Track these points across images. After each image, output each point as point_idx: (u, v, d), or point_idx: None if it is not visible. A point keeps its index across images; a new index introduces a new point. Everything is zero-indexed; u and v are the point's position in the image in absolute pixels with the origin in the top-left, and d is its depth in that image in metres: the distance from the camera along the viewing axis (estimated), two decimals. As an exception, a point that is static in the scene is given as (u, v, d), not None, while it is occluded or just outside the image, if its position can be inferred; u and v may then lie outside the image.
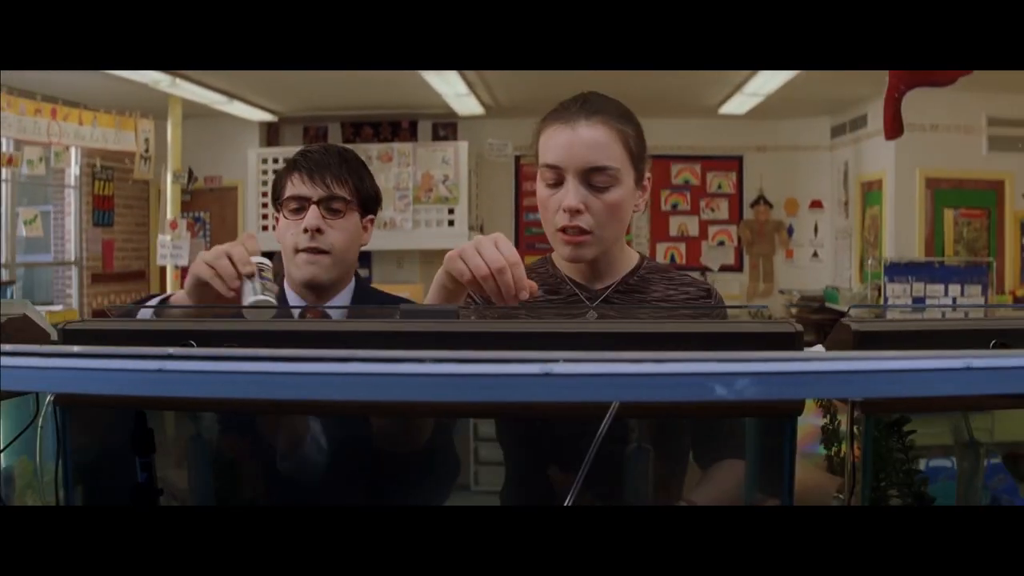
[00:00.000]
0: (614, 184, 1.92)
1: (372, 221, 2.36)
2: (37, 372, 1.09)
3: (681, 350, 1.09)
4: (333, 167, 2.25)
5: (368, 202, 2.33)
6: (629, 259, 2.07)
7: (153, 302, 2.00)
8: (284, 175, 2.30)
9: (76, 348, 1.10)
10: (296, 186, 2.25)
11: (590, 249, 1.94)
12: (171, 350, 1.09)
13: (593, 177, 1.91)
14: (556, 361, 0.96)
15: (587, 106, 1.95)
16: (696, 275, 2.12)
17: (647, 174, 2.02)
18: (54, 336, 1.67)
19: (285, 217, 2.26)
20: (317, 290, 2.24)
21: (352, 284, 2.32)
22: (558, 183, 1.92)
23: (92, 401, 1.45)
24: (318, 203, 2.22)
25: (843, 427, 1.58)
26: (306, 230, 2.20)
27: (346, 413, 1.49)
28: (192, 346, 1.34)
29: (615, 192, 1.92)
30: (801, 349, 1.30)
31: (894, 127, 2.32)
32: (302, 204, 2.23)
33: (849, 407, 1.40)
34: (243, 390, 1.01)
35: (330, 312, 2.22)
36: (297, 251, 2.21)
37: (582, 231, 1.91)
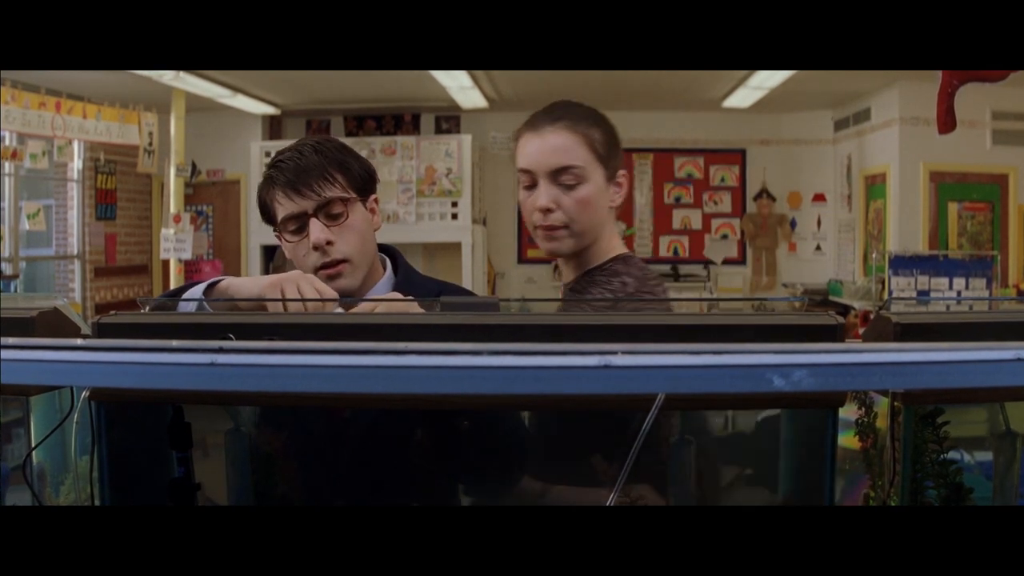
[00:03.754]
0: (581, 181, 2.04)
1: (376, 200, 2.15)
2: (86, 366, 1.09)
3: (724, 342, 1.09)
4: (314, 170, 2.03)
5: (365, 185, 2.11)
6: (603, 255, 2.12)
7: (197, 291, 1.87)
8: (266, 192, 2.09)
9: (125, 342, 1.10)
10: (285, 204, 2.05)
11: (566, 243, 2.08)
12: (222, 344, 1.09)
13: (560, 177, 2.04)
14: (615, 353, 0.96)
15: (552, 113, 2.09)
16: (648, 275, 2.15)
17: (620, 171, 2.13)
18: (85, 330, 1.67)
19: (287, 240, 2.08)
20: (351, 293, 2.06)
21: (389, 272, 2.16)
22: (533, 185, 2.07)
23: (133, 396, 1.45)
24: (315, 214, 2.03)
25: (878, 419, 1.58)
26: (316, 247, 2.03)
27: (405, 407, 1.49)
28: (232, 339, 1.34)
29: (583, 189, 2.05)
30: (843, 341, 1.30)
31: (947, 121, 2.32)
32: (301, 221, 2.04)
33: (890, 398, 1.40)
34: (300, 383, 1.01)
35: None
36: (316, 269, 2.04)
37: (554, 227, 2.06)
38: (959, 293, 7.85)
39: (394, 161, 10.08)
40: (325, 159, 2.06)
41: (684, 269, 11.08)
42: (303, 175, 2.03)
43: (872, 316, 1.47)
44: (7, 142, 7.81)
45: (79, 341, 1.32)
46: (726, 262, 11.11)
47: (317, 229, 2.03)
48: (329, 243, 2.03)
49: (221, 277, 1.89)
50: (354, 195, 2.08)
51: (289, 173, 2.04)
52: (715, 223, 11.17)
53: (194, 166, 9.23)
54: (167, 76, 7.99)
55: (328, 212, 2.04)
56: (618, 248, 2.14)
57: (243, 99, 9.69)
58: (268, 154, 10.00)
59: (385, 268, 2.19)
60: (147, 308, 1.68)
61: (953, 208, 8.91)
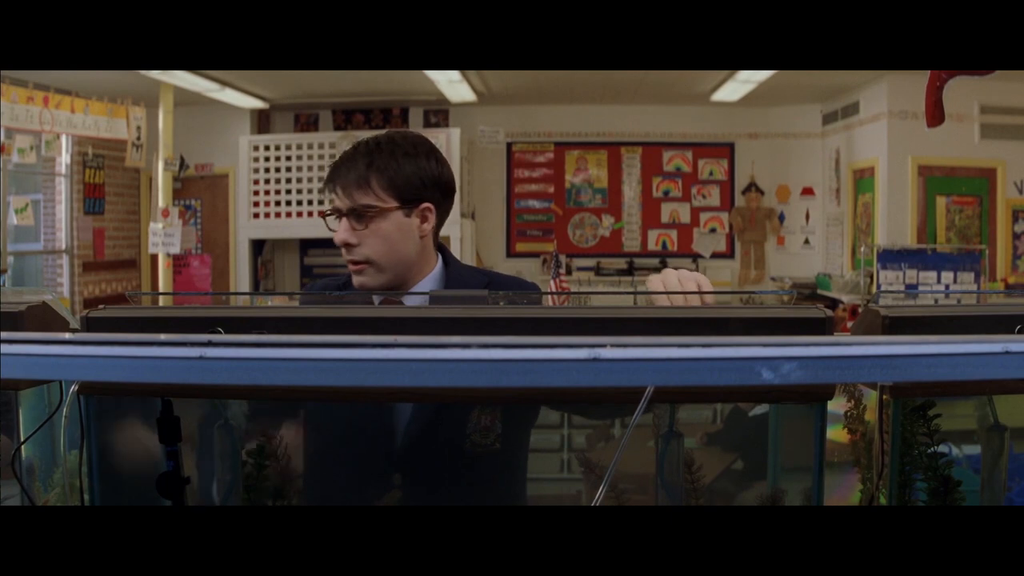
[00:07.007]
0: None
1: (430, 209, 2.15)
2: (75, 360, 1.09)
3: (713, 335, 1.09)
4: (354, 172, 2.10)
5: (414, 194, 2.13)
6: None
7: None
8: None
9: (114, 336, 1.10)
10: (331, 197, 2.15)
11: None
12: (211, 337, 1.08)
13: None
14: (604, 346, 0.96)
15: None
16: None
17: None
18: (74, 324, 1.67)
19: (329, 226, 2.17)
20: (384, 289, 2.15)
21: (438, 269, 2.20)
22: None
23: (122, 389, 1.45)
24: (348, 215, 2.11)
25: (867, 412, 1.58)
26: (337, 244, 2.12)
27: (395, 400, 1.49)
28: (221, 333, 1.34)
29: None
30: (832, 334, 1.30)
31: (935, 115, 2.33)
32: (338, 215, 2.13)
33: (879, 391, 1.41)
34: (289, 377, 1.01)
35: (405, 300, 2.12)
36: (347, 260, 2.14)
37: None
38: (947, 287, 7.88)
39: (383, 155, 10.03)
40: (371, 164, 2.11)
41: (672, 263, 11.07)
42: (343, 177, 2.11)
43: (860, 310, 1.48)
44: (-5, 136, 7.78)
45: (68, 335, 1.32)
46: (714, 256, 11.12)
47: (343, 229, 2.11)
48: (348, 244, 2.11)
49: None
50: (392, 203, 2.11)
51: (335, 171, 2.13)
52: (703, 217, 11.18)
53: (182, 160, 9.20)
54: (155, 71, 7.97)
55: (358, 215, 2.10)
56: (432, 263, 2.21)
57: (231, 93, 9.67)
58: (256, 148, 10.00)
59: (437, 263, 2.23)
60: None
61: (941, 202, 8.92)
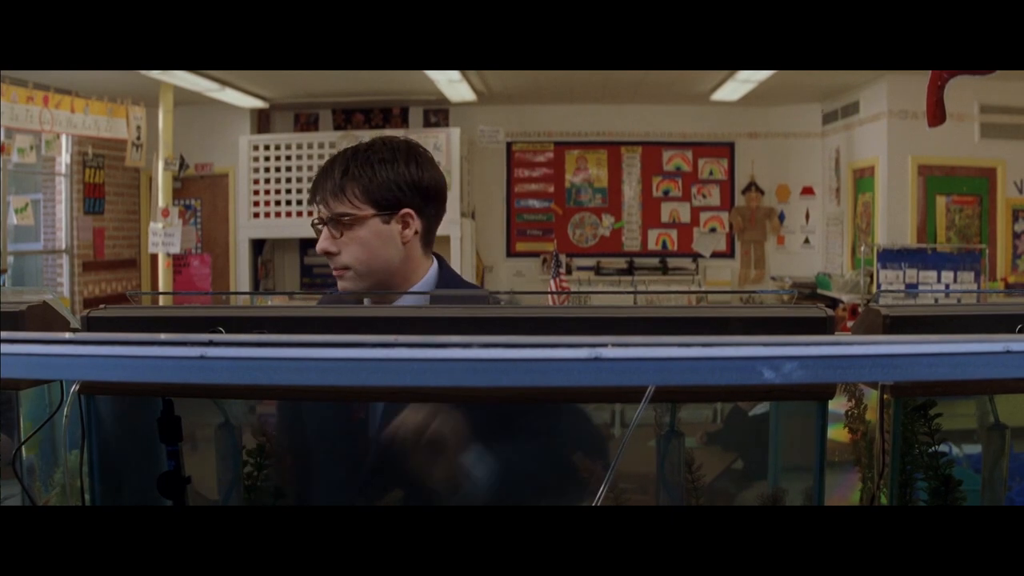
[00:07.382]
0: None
1: (411, 215, 2.13)
2: (76, 360, 1.09)
3: (714, 335, 1.09)
4: (331, 181, 2.13)
5: (393, 199, 2.12)
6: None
7: None
8: None
9: (115, 336, 1.10)
10: (315, 206, 2.19)
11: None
12: (212, 337, 1.08)
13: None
14: (605, 345, 0.96)
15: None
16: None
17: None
18: (75, 324, 1.67)
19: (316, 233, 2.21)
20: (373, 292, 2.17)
21: (430, 275, 2.18)
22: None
23: (123, 389, 1.45)
24: (327, 223, 2.14)
25: (868, 411, 1.58)
26: (319, 252, 2.16)
27: (395, 399, 1.49)
28: (221, 332, 1.34)
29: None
30: (832, 333, 1.30)
31: (936, 114, 2.33)
32: (321, 224, 2.16)
33: (880, 390, 1.41)
34: (289, 376, 1.01)
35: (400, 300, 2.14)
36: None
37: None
38: (947, 286, 7.88)
39: (383, 155, 10.03)
40: (346, 172, 2.12)
41: (672, 262, 11.09)
42: (320, 187, 2.14)
43: (861, 309, 1.48)
44: (-5, 136, 7.78)
45: (69, 335, 1.32)
46: (714, 255, 11.12)
47: (323, 238, 2.14)
48: (329, 252, 2.13)
49: None
50: (368, 210, 2.11)
51: (316, 181, 2.17)
52: (703, 216, 11.17)
53: (182, 160, 9.20)
54: (155, 71, 7.97)
55: (336, 223, 2.12)
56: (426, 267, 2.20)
57: (231, 93, 9.67)
58: (256, 148, 10.00)
59: (430, 270, 2.21)
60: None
61: (941, 201, 8.92)
